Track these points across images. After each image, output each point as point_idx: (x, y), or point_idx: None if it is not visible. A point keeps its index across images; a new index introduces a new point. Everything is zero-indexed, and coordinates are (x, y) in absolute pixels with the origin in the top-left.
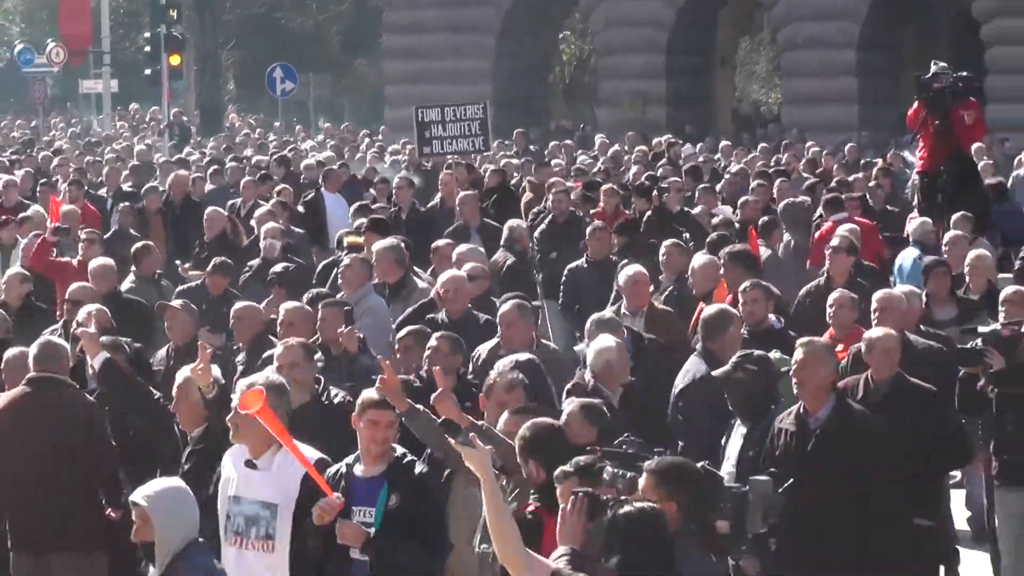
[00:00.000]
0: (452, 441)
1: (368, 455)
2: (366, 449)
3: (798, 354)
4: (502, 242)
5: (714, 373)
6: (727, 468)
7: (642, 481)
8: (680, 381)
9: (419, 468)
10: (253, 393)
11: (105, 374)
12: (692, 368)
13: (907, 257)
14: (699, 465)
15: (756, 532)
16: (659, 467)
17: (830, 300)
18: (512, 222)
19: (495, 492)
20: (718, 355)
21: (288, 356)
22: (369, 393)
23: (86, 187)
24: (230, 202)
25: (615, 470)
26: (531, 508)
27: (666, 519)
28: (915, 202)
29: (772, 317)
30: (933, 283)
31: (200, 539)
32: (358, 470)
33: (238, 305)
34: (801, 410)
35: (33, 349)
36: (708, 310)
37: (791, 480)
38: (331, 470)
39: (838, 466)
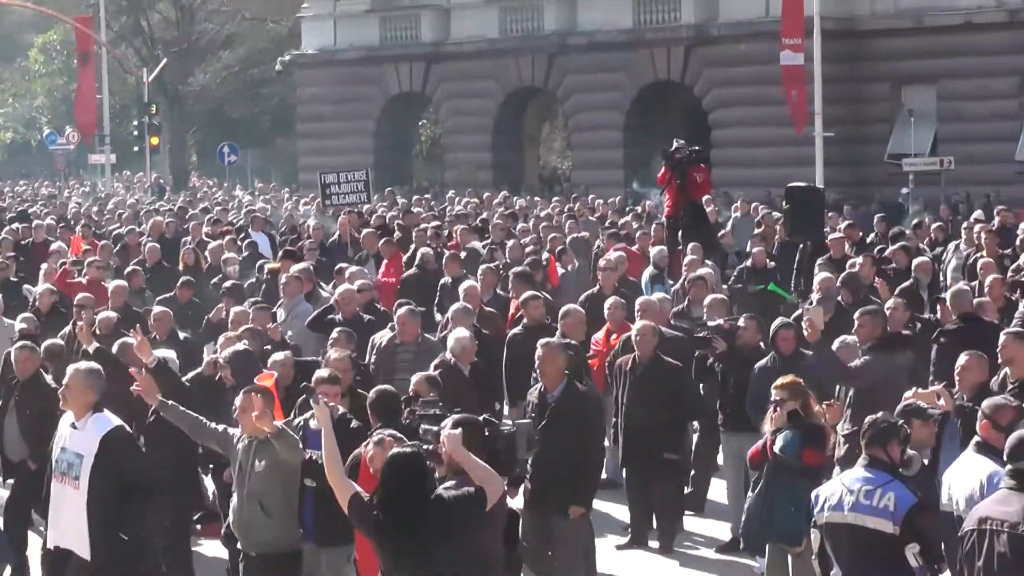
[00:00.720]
0: (312, 400)
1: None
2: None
3: (539, 351)
4: (416, 263)
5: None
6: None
7: (442, 433)
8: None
9: (353, 424)
10: (266, 375)
11: (96, 355)
12: None
13: (647, 273)
14: (481, 417)
15: (524, 457)
16: (452, 423)
17: (607, 304)
18: (423, 249)
19: (330, 435)
20: (568, 336)
21: (228, 344)
22: (321, 373)
23: (93, 228)
24: (184, 238)
25: (426, 426)
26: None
27: (422, 458)
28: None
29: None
30: (694, 291)
31: None
32: (312, 423)
33: (156, 310)
34: (542, 388)
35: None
36: (563, 308)
37: (543, 423)
38: (296, 421)
39: (565, 427)
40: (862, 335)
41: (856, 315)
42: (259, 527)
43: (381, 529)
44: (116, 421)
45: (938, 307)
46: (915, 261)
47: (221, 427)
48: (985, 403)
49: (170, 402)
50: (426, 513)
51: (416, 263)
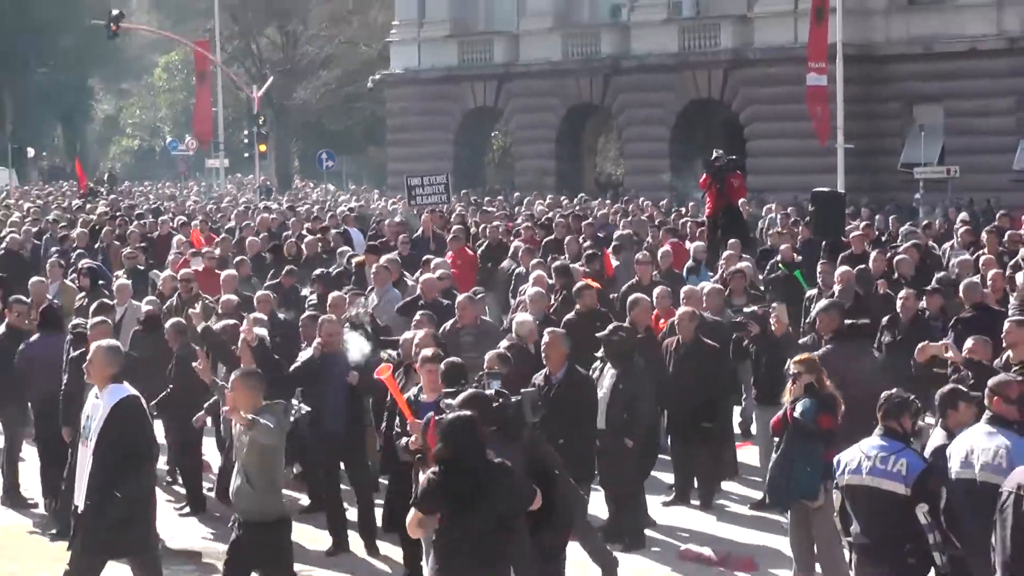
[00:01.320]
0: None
1: (428, 389)
2: (426, 385)
3: (546, 338)
4: (508, 255)
5: (598, 335)
6: (600, 394)
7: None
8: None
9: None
10: (383, 367)
11: (204, 334)
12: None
13: (688, 265)
14: (489, 392)
15: (531, 420)
16: (461, 399)
17: (656, 292)
18: (516, 242)
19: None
20: (635, 323)
21: (330, 327)
22: (426, 352)
23: (209, 224)
24: (285, 233)
25: (449, 401)
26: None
27: (475, 420)
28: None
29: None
30: (734, 282)
31: None
32: (422, 398)
33: (259, 293)
34: (548, 372)
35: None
36: (631, 297)
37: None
38: (407, 395)
39: (566, 406)
40: (822, 329)
41: (814, 313)
42: (244, 496)
43: (446, 489)
44: (130, 391)
45: (926, 299)
46: (956, 259)
47: None
48: (992, 381)
49: (220, 382)
50: (485, 468)
51: (509, 255)
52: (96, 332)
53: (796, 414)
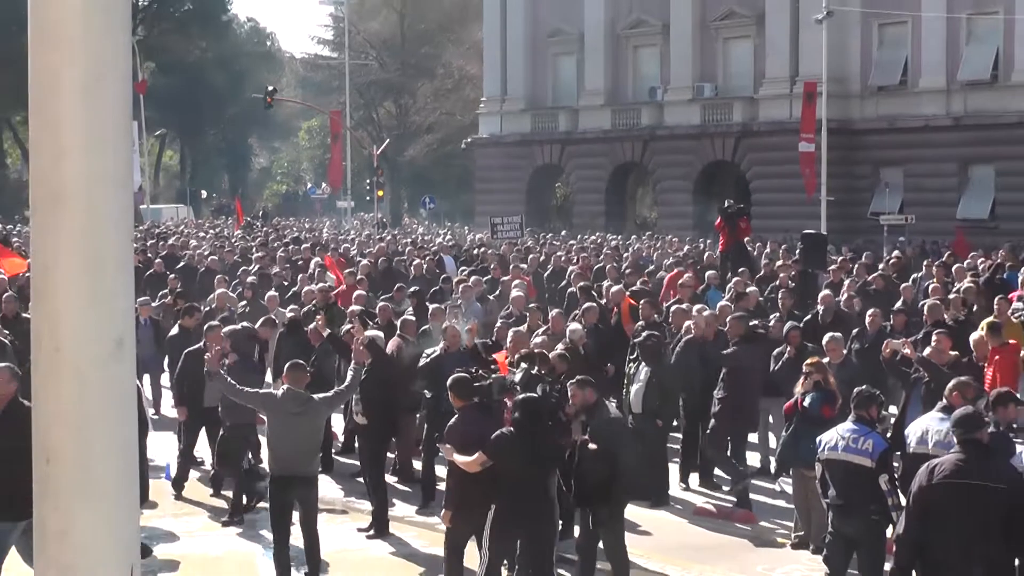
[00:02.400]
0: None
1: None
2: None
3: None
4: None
5: (634, 340)
6: (636, 386)
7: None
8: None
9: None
10: (503, 352)
11: (329, 338)
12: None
13: (701, 288)
14: (474, 370)
15: (497, 398)
16: (451, 379)
17: (700, 311)
18: (571, 267)
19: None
20: (704, 335)
21: (452, 331)
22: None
23: (339, 251)
24: (398, 258)
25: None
26: None
27: (537, 401)
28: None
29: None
30: (744, 302)
31: None
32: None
33: (379, 304)
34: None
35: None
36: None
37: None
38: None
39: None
40: (730, 333)
41: (727, 319)
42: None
43: (513, 446)
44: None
45: (891, 318)
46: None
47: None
48: (955, 381)
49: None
50: (546, 438)
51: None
52: (212, 336)
53: (805, 404)
